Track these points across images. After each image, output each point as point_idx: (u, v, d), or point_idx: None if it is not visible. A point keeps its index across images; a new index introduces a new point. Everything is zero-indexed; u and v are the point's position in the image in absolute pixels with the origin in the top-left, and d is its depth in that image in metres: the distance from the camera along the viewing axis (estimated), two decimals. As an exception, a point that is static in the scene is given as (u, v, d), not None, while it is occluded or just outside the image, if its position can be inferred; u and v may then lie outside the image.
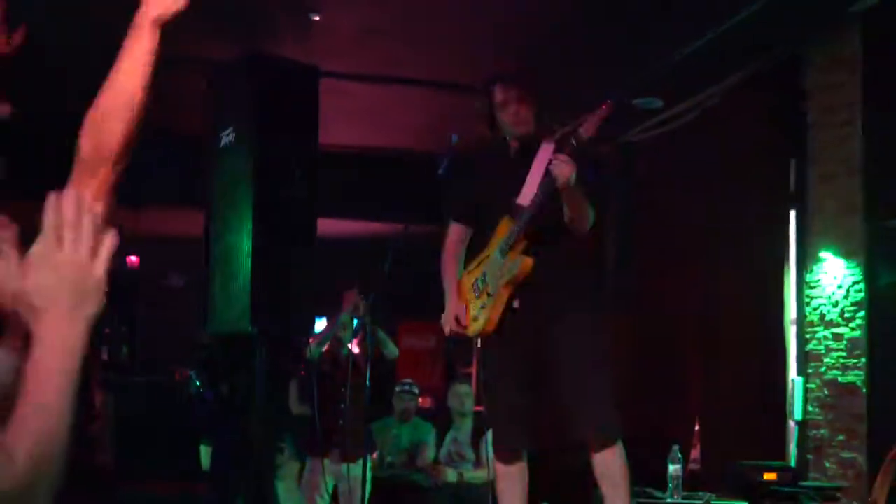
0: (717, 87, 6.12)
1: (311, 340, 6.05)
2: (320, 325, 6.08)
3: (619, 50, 5.82)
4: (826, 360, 5.22)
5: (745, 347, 5.90)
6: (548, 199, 3.75)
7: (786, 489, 4.59)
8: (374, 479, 6.16)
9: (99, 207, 1.61)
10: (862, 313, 5.01)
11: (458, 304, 4.03)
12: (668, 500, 4.68)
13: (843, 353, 5.10)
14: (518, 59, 5.65)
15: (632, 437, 3.87)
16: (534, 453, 4.06)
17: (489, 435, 4.13)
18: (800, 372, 5.42)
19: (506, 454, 3.98)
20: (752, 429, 5.74)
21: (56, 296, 1.20)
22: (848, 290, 5.11)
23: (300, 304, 4.47)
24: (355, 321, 5.94)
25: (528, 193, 3.89)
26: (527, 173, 3.95)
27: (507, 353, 3.94)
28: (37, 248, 1.22)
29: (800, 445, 5.35)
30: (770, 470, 4.65)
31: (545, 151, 3.97)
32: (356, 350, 6.13)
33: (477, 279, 4.00)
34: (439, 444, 6.81)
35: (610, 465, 3.81)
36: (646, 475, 4.69)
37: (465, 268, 4.14)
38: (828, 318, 5.23)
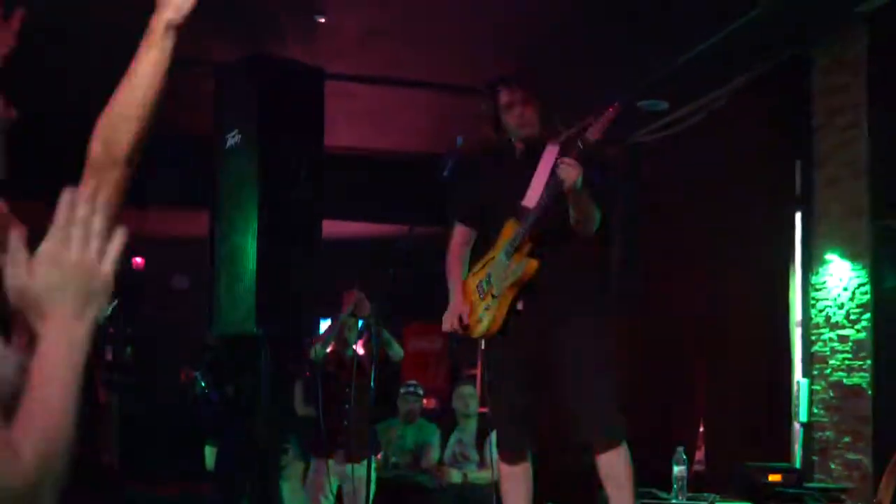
0: (722, 89, 6.12)
1: (314, 341, 6.06)
2: (324, 326, 6.09)
3: (624, 52, 5.82)
4: (831, 361, 5.22)
5: (751, 349, 5.90)
6: (554, 201, 3.75)
7: (791, 491, 4.59)
8: (378, 479, 6.15)
9: (108, 208, 1.62)
10: (867, 315, 5.00)
11: (461, 303, 4.03)
12: (673, 502, 4.67)
13: (849, 355, 5.10)
14: (522, 61, 5.65)
15: (636, 439, 3.87)
16: (538, 454, 4.07)
17: (493, 436, 4.13)
18: (805, 374, 5.42)
19: (510, 455, 3.99)
20: (757, 430, 5.74)
21: (62, 295, 1.21)
22: (853, 293, 5.10)
23: (305, 305, 4.48)
24: (360, 322, 5.95)
25: (533, 195, 3.89)
26: (532, 175, 3.95)
27: (512, 354, 3.94)
28: (44, 247, 1.22)
29: (805, 447, 5.35)
30: (775, 471, 4.65)
31: (550, 153, 3.97)
32: (361, 351, 6.13)
33: (481, 281, 4.01)
34: (444, 446, 6.81)
35: (614, 466, 3.81)
36: (650, 476, 4.69)
37: (469, 269, 4.14)
38: (833, 320, 5.23)
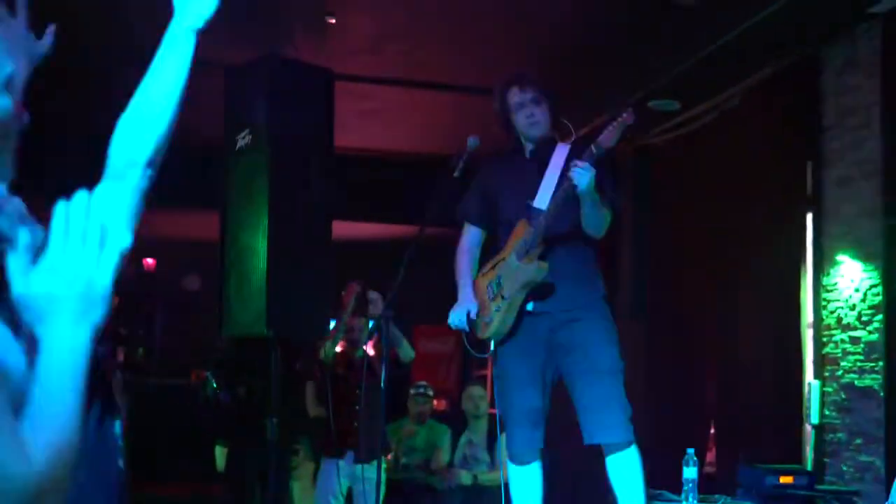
0: (733, 89, 6.10)
1: (322, 340, 6.05)
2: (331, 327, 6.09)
3: (636, 52, 5.81)
4: (843, 363, 5.20)
5: (762, 350, 5.88)
6: (566, 204, 3.76)
7: (802, 493, 4.57)
8: (388, 480, 6.16)
9: (124, 211, 1.63)
10: (879, 317, 4.98)
11: (471, 299, 4.03)
12: None
13: (861, 357, 5.08)
14: (534, 60, 5.65)
15: (647, 440, 3.86)
16: (548, 456, 4.06)
17: (503, 437, 4.13)
18: (816, 375, 5.40)
19: (520, 457, 3.98)
20: (768, 432, 5.72)
21: (62, 301, 1.21)
22: (865, 294, 5.08)
23: (315, 306, 4.48)
24: (371, 322, 5.95)
25: (544, 196, 3.89)
26: (542, 175, 3.96)
27: (522, 355, 3.94)
28: (43, 254, 1.23)
29: (816, 449, 5.33)
30: (786, 473, 4.63)
31: (560, 153, 3.97)
32: (371, 352, 6.13)
33: (491, 282, 4.01)
34: (454, 447, 6.81)
35: (625, 468, 3.81)
36: (661, 478, 4.68)
37: (479, 269, 4.14)
38: (845, 321, 5.21)
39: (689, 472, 4.66)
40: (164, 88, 1.70)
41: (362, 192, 8.26)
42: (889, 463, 4.80)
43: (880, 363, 4.94)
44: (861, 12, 5.03)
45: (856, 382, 5.09)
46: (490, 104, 4.11)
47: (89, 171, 1.71)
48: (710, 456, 6.26)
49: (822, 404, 5.32)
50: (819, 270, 5.43)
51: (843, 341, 5.21)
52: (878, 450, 4.92)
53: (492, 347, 4.03)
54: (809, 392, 5.39)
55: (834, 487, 4.94)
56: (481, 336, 4.02)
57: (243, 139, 4.44)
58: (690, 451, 4.72)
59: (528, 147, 4.07)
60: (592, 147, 3.67)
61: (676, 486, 4.64)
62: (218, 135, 4.69)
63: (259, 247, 4.29)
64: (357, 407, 5.89)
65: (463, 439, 6.79)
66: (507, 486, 4.11)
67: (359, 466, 5.81)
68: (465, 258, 4.16)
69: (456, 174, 3.90)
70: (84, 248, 1.22)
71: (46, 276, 1.21)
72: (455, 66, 6.37)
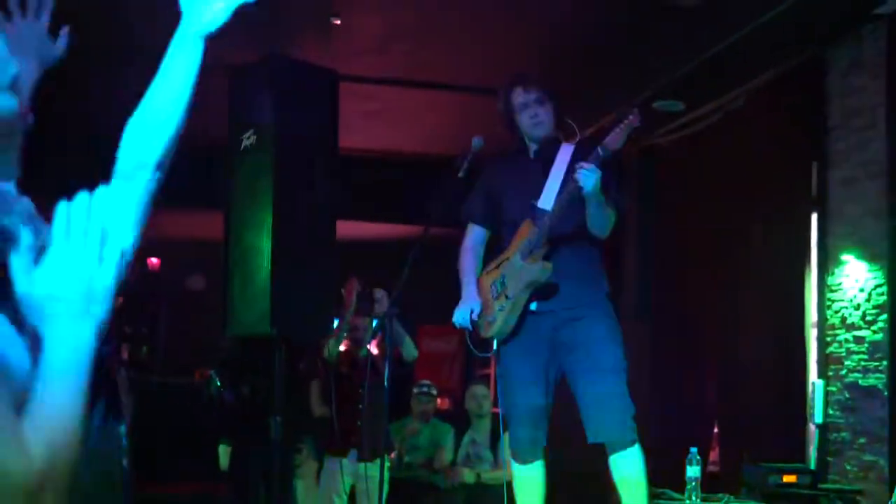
0: (738, 89, 6.10)
1: (326, 339, 6.04)
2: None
3: (641, 52, 5.81)
4: (847, 363, 5.20)
5: (766, 350, 5.88)
6: (571, 205, 3.77)
7: (806, 492, 4.58)
8: (391, 479, 6.15)
9: (131, 212, 1.64)
10: (884, 316, 4.98)
11: (475, 298, 4.04)
12: (687, 503, 4.66)
13: (865, 356, 5.08)
14: (538, 61, 5.65)
15: (650, 439, 3.87)
16: (551, 455, 4.07)
17: (506, 436, 4.13)
18: (820, 375, 5.40)
19: (523, 455, 3.99)
20: (772, 431, 5.72)
21: (63, 300, 1.22)
22: (870, 294, 5.08)
23: (319, 306, 4.49)
24: (374, 322, 5.95)
25: (548, 196, 3.90)
26: (546, 175, 3.96)
27: (525, 354, 3.94)
28: (46, 254, 1.24)
29: (820, 448, 5.33)
30: (790, 472, 4.64)
31: (564, 153, 3.98)
32: (375, 351, 6.13)
33: (495, 281, 4.01)
34: (457, 446, 6.81)
35: (628, 467, 3.81)
36: (664, 477, 4.68)
37: (483, 268, 4.15)
38: (849, 321, 5.21)
39: (693, 471, 4.67)
40: (173, 92, 1.71)
41: (367, 193, 8.26)
42: (893, 462, 4.80)
43: (884, 363, 4.94)
44: (866, 13, 5.03)
45: (860, 382, 5.09)
46: (494, 104, 4.12)
47: (90, 172, 1.72)
48: (714, 455, 6.26)
49: (826, 404, 5.32)
50: (824, 270, 5.44)
51: (847, 341, 5.21)
52: (881, 449, 4.92)
53: (494, 346, 4.03)
54: (813, 391, 5.39)
55: (837, 486, 4.95)
56: (484, 335, 4.03)
57: (248, 139, 4.44)
58: (694, 449, 4.73)
59: (533, 147, 4.08)
60: (599, 149, 3.67)
61: (680, 484, 4.65)
62: (222, 135, 4.69)
63: (263, 246, 4.30)
64: (360, 406, 5.90)
65: (466, 438, 6.79)
66: (510, 485, 4.11)
67: (362, 465, 5.82)
68: (468, 257, 4.17)
69: (460, 174, 3.91)
70: (85, 248, 1.24)
71: (48, 276, 1.23)
72: (459, 67, 6.37)
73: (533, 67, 4.72)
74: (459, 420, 7.03)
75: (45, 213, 1.29)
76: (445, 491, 6.52)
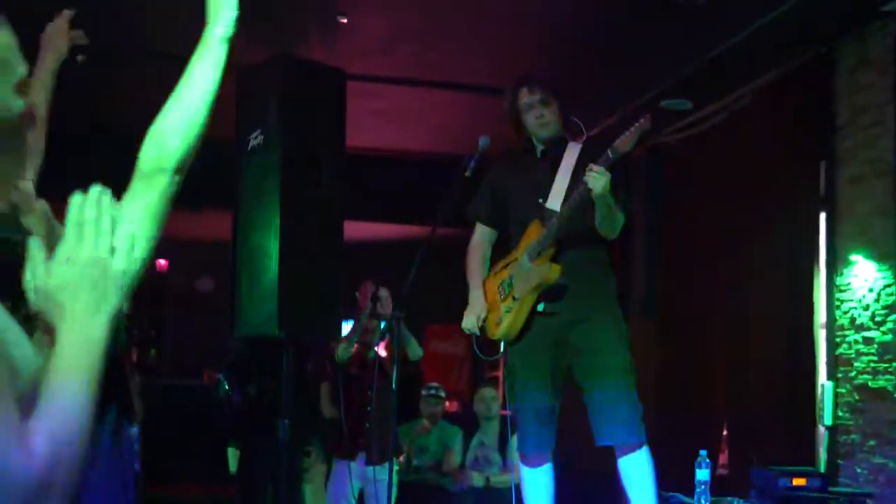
0: (746, 88, 6.08)
1: (338, 342, 6.04)
2: (347, 328, 6.08)
3: (649, 51, 5.80)
4: (856, 364, 5.17)
5: (774, 351, 5.85)
6: (579, 206, 3.76)
7: (815, 495, 4.55)
8: (400, 482, 6.15)
9: (148, 212, 1.66)
10: (893, 317, 4.95)
11: (482, 302, 4.03)
12: (696, 505, 4.64)
13: (874, 358, 5.05)
14: (545, 61, 5.64)
15: (658, 441, 3.85)
16: (560, 457, 4.05)
17: (515, 439, 4.12)
18: (830, 376, 5.37)
19: (532, 458, 3.98)
20: (781, 434, 5.70)
21: (76, 293, 1.24)
22: (879, 294, 5.05)
23: (327, 307, 4.47)
24: (383, 323, 5.94)
25: (556, 196, 3.89)
26: (553, 175, 3.96)
27: (533, 356, 3.93)
28: (59, 246, 1.27)
29: (830, 450, 5.30)
30: (799, 475, 4.61)
31: (571, 153, 3.97)
32: (383, 353, 6.12)
33: (503, 282, 4.00)
34: (466, 448, 6.80)
35: (636, 469, 3.79)
36: (673, 480, 4.66)
37: (491, 268, 4.14)
38: (858, 321, 5.18)
39: (702, 474, 4.64)
40: (196, 96, 1.74)
41: (374, 193, 8.26)
42: (903, 464, 4.77)
43: (894, 364, 4.91)
44: (874, 10, 5.01)
45: (869, 383, 5.06)
46: (501, 104, 4.11)
47: (111, 174, 1.72)
48: (723, 458, 6.23)
49: (836, 405, 5.29)
50: (832, 270, 5.41)
51: (856, 342, 5.19)
52: (892, 451, 4.89)
53: (501, 349, 4.02)
54: (822, 393, 5.36)
55: (847, 489, 4.91)
56: (492, 336, 4.02)
57: (255, 139, 4.43)
58: (703, 452, 4.70)
59: (539, 147, 4.07)
60: (609, 151, 3.66)
61: (689, 487, 4.62)
62: (230, 135, 4.69)
63: (271, 247, 4.28)
64: (369, 408, 5.89)
65: (475, 441, 6.78)
66: (518, 487, 4.10)
67: (370, 468, 5.81)
68: (475, 257, 4.16)
69: (468, 174, 3.90)
70: (97, 239, 1.27)
71: (61, 266, 1.25)
72: (467, 67, 6.36)
73: (540, 67, 4.71)
74: (468, 422, 7.02)
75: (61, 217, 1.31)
76: (454, 494, 6.51)
